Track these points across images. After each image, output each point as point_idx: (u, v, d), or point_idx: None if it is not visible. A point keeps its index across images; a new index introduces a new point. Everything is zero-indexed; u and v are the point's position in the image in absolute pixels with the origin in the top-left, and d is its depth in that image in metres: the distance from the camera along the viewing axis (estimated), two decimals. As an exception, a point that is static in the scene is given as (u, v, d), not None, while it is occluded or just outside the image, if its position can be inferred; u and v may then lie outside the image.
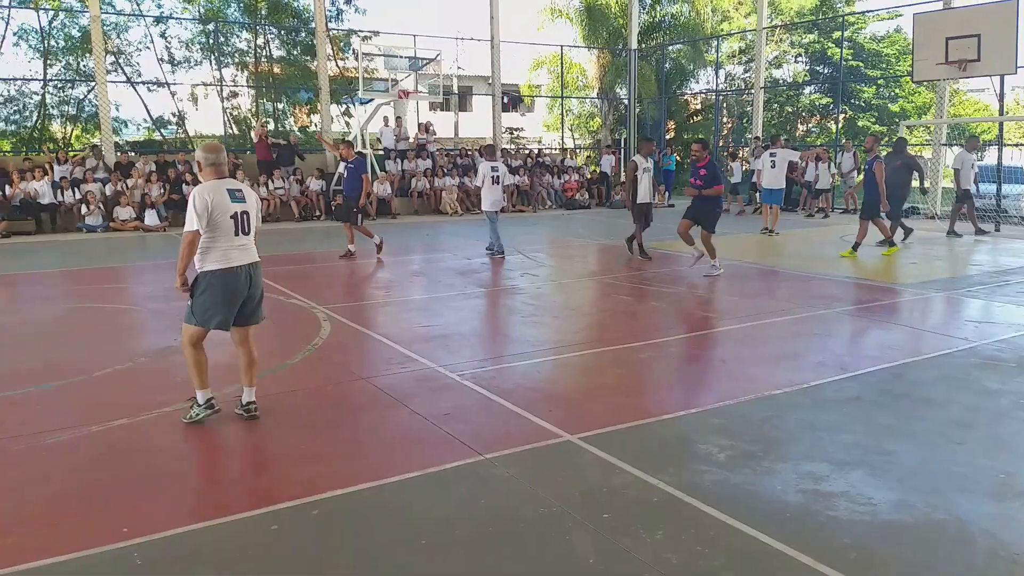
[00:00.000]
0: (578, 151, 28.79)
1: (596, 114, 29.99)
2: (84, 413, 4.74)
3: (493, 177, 11.59)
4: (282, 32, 24.08)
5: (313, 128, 23.97)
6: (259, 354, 4.75)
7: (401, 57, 20.63)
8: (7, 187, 15.51)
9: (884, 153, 13.52)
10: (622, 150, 25.64)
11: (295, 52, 24.16)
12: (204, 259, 4.41)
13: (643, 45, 27.19)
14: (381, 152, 20.84)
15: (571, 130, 31.22)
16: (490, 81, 25.17)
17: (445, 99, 23.01)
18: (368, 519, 3.39)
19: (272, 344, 6.59)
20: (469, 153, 22.38)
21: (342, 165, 18.32)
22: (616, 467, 3.87)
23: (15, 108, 22.79)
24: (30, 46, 22.36)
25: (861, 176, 14.85)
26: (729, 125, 30.13)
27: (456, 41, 34.46)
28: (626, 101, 26.81)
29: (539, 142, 31.77)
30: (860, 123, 28.72)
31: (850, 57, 27.89)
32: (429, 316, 7.66)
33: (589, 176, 23.46)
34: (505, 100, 24.78)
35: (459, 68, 31.15)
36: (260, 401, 4.69)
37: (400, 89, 18.99)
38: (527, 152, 25.14)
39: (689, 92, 31.08)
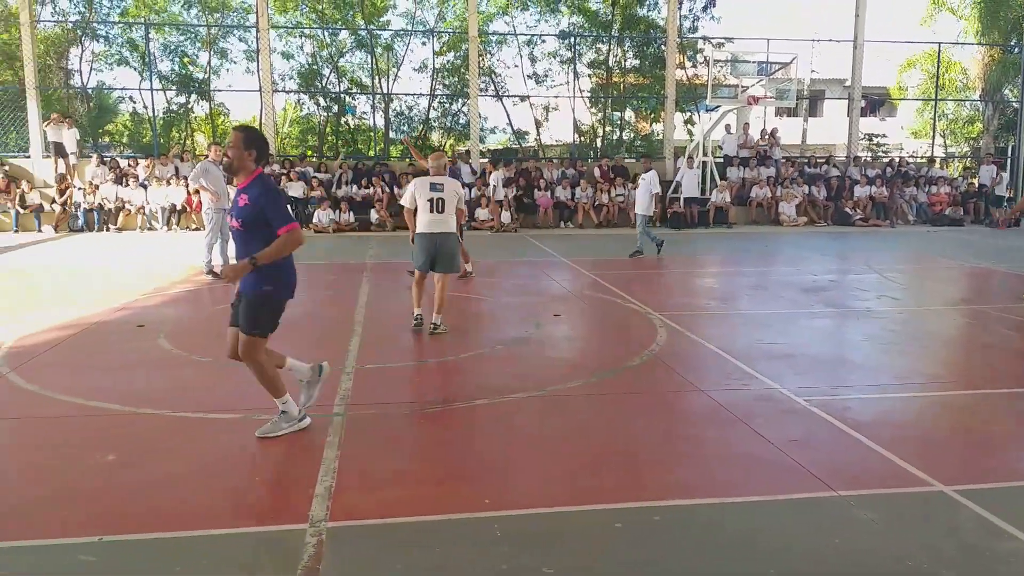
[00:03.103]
0: (951, 160, 25.37)
1: (976, 119, 26.13)
2: (452, 390, 5.34)
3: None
4: (635, 43, 24.77)
5: (657, 137, 24.30)
6: (600, 353, 5.01)
7: (750, 62, 19.99)
8: (395, 187, 18.19)
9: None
10: (1008, 160, 21.98)
11: (647, 63, 24.70)
12: (416, 226, 6.88)
13: (1047, 38, 22.99)
14: (721, 159, 20.43)
15: (943, 136, 27.60)
16: (847, 84, 23.24)
17: (795, 104, 21.81)
18: (711, 536, 3.31)
19: (612, 345, 6.82)
20: (820, 162, 20.94)
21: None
22: (1003, 531, 3.30)
23: (404, 120, 26.62)
24: (425, 70, 25.80)
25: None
26: None
27: (811, 44, 32.49)
28: (1016, 104, 22.91)
29: (899, 149, 28.60)
30: None
31: None
32: (771, 333, 7.29)
33: (964, 189, 20.51)
34: (863, 104, 22.67)
35: (812, 71, 29.32)
36: (606, 398, 5.00)
37: (749, 95, 18.41)
38: (886, 160, 22.76)
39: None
